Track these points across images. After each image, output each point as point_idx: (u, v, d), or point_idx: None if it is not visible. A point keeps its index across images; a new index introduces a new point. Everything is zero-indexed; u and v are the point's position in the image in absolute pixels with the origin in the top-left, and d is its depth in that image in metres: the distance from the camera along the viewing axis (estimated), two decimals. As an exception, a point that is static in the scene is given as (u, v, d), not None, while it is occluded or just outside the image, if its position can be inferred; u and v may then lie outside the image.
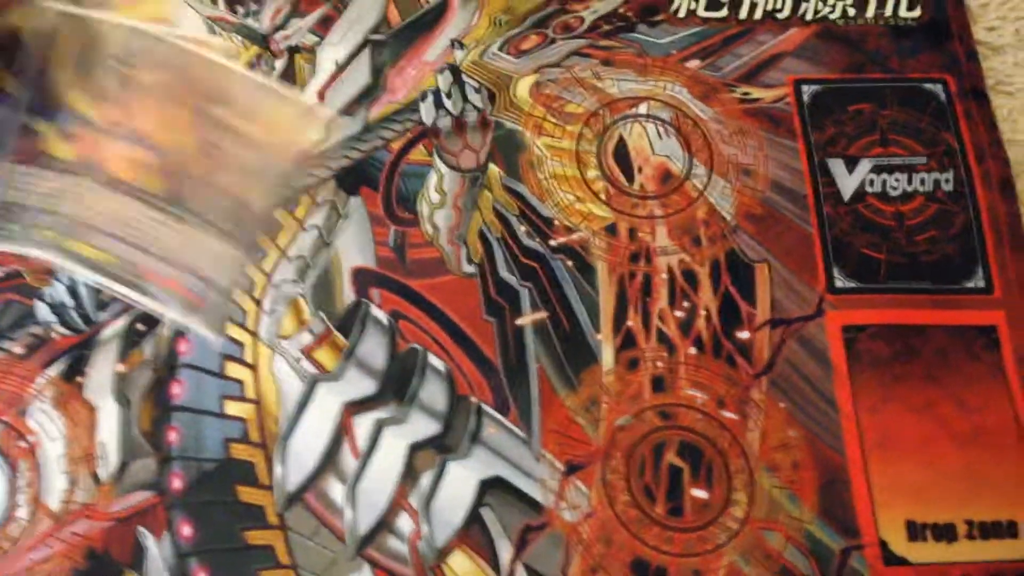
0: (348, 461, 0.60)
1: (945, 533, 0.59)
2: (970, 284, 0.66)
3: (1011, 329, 0.64)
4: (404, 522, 0.59)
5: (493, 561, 0.58)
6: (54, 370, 0.63)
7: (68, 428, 0.61)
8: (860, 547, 0.58)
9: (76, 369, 0.63)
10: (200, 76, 0.67)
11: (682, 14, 0.76)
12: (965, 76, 0.73)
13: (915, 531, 0.59)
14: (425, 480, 0.60)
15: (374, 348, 0.64)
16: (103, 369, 0.63)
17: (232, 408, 0.62)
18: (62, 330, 0.64)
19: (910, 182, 0.69)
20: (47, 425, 0.61)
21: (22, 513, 0.59)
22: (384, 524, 0.59)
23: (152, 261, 0.63)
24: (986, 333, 0.64)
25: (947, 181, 0.69)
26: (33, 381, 0.62)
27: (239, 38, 0.74)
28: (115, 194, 0.64)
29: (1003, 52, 0.75)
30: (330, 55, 0.74)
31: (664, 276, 0.66)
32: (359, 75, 0.73)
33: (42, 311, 0.64)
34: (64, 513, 0.59)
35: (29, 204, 0.64)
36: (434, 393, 0.62)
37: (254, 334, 0.64)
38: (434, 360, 0.63)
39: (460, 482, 0.60)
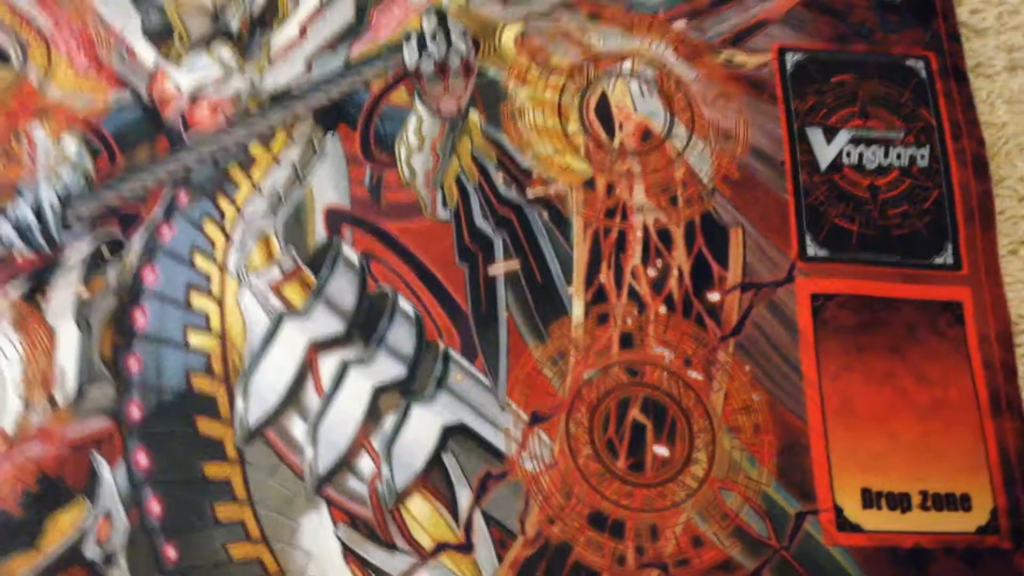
0: (311, 399, 0.60)
1: (899, 502, 0.59)
2: (939, 260, 0.66)
3: (976, 306, 0.65)
4: (365, 463, 0.59)
5: (452, 506, 0.58)
6: (14, 290, 0.62)
7: (26, 350, 0.60)
8: (815, 512, 0.59)
9: (37, 291, 0.62)
10: None
11: (672, -27, 0.76)
12: (947, 55, 0.73)
13: (870, 499, 0.59)
14: (388, 423, 0.60)
15: (343, 288, 0.63)
16: (65, 292, 0.62)
17: (195, 340, 0.61)
18: (24, 250, 0.63)
19: (886, 156, 0.69)
20: (4, 346, 0.60)
21: (-26, 433, 0.58)
22: (344, 464, 0.59)
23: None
24: (951, 309, 0.65)
25: (923, 157, 0.69)
26: (-8, 300, 0.61)
27: (222, -35, 0.73)
28: None
29: (985, 35, 0.75)
30: (314, -7, 0.73)
31: (639, 234, 0.65)
32: (343, 11, 0.72)
33: (4, 229, 0.63)
34: (18, 436, 0.58)
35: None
36: (402, 336, 0.62)
37: (222, 267, 0.63)
38: (404, 303, 0.63)
39: (423, 426, 0.60)
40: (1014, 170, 0.70)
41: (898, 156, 0.69)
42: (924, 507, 0.59)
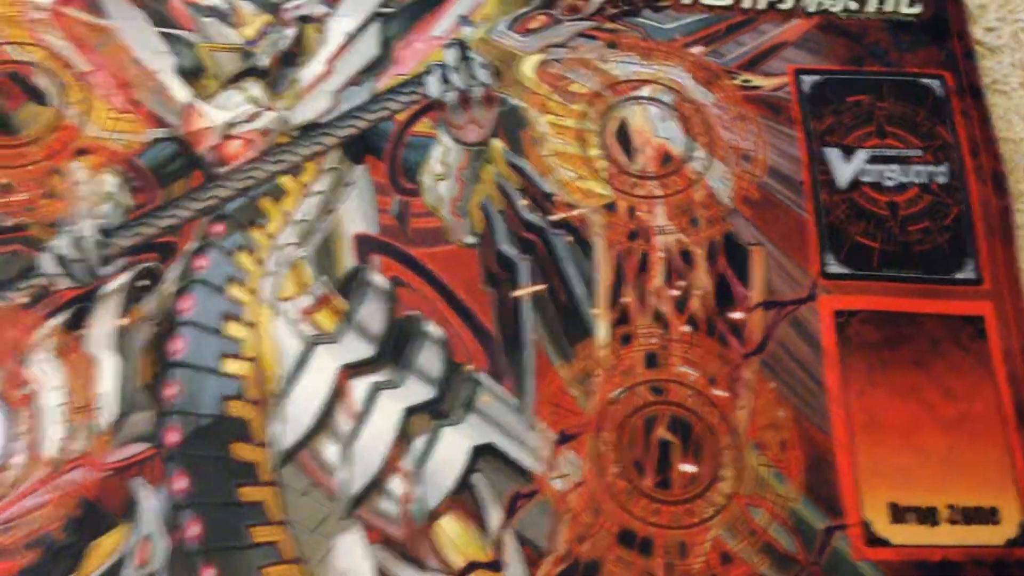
0: (343, 422, 0.61)
1: (927, 516, 0.59)
2: (960, 275, 0.66)
3: (999, 320, 0.65)
4: (396, 484, 0.60)
5: (482, 526, 0.59)
6: (56, 321, 0.63)
7: (68, 378, 0.61)
8: (843, 527, 0.59)
9: (78, 321, 0.64)
10: None
11: (687, 1, 0.77)
12: (962, 73, 0.74)
13: (898, 513, 0.59)
14: (418, 444, 0.60)
15: (373, 313, 0.64)
16: (105, 322, 0.63)
17: (230, 366, 0.62)
18: (66, 282, 0.65)
19: (905, 173, 0.70)
20: (48, 374, 0.61)
21: (19, 459, 0.59)
22: (376, 485, 0.59)
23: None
24: (974, 323, 0.65)
25: (942, 174, 0.70)
26: (35, 331, 0.63)
27: (250, 5, 0.75)
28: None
29: (1000, 52, 0.76)
30: (340, 26, 0.74)
31: (661, 255, 0.66)
32: (368, 47, 0.74)
33: (47, 263, 0.65)
34: (60, 461, 0.59)
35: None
36: (431, 359, 0.63)
37: (255, 295, 0.65)
38: (432, 327, 0.64)
39: (453, 447, 0.60)
40: (1033, 185, 0.71)
41: (917, 174, 0.70)
42: (952, 521, 0.59)
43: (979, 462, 0.61)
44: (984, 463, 0.61)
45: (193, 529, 0.58)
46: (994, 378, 0.63)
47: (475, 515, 0.59)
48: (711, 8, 0.77)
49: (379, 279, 0.66)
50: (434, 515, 0.59)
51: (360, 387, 0.62)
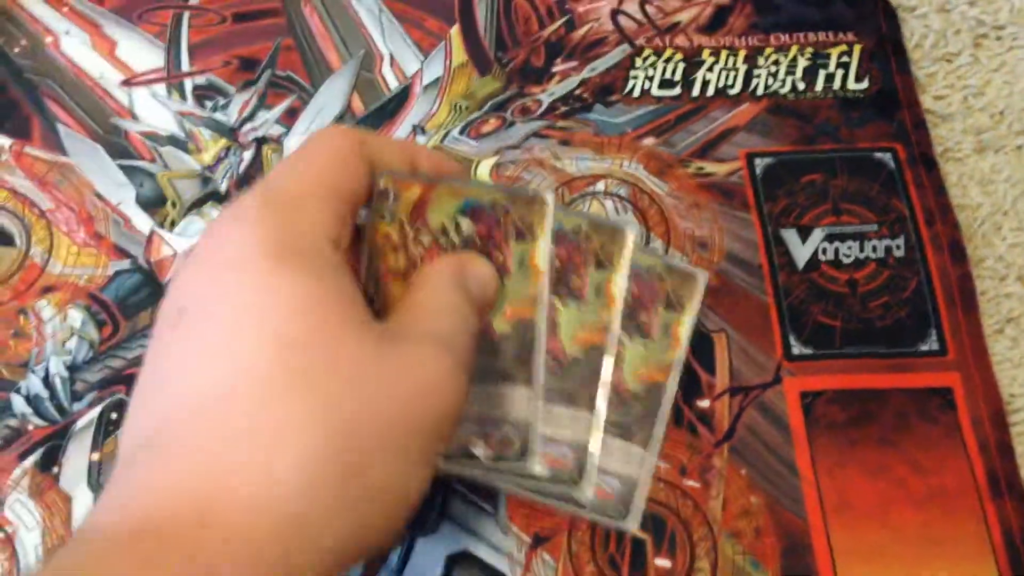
0: (318, 541, 0.61)
1: (906, 593, 0.59)
2: (924, 347, 0.67)
3: (966, 390, 0.65)
4: (373, 599, 0.60)
5: (461, 636, 0.59)
6: (30, 461, 0.64)
7: (44, 518, 0.62)
8: (822, 610, 0.59)
9: (52, 459, 0.64)
10: None
11: (636, 94, 0.78)
12: (914, 144, 0.75)
13: (877, 592, 0.59)
14: (393, 557, 0.61)
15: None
16: (78, 458, 0.64)
17: (204, 492, 0.63)
18: (37, 421, 0.65)
19: (862, 249, 0.70)
20: (24, 516, 0.62)
21: (-2, 602, 0.60)
22: (354, 602, 0.60)
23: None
24: (941, 394, 0.65)
25: (898, 247, 0.70)
26: (10, 473, 0.63)
27: (208, 132, 0.76)
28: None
29: (951, 120, 0.77)
30: (297, 144, 0.75)
31: (625, 348, 0.67)
32: (325, 164, 0.75)
33: (18, 403, 0.66)
34: (38, 600, 0.60)
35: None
36: (401, 471, 0.63)
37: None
38: (401, 438, 0.64)
39: (427, 556, 0.61)
40: (992, 249, 0.71)
41: (874, 248, 0.70)
42: (931, 596, 0.59)
43: (955, 535, 0.61)
44: (960, 536, 0.61)
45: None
46: (965, 448, 0.63)
47: (453, 625, 0.60)
48: (660, 99, 0.78)
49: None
50: (412, 628, 0.59)
51: (333, 503, 0.62)
